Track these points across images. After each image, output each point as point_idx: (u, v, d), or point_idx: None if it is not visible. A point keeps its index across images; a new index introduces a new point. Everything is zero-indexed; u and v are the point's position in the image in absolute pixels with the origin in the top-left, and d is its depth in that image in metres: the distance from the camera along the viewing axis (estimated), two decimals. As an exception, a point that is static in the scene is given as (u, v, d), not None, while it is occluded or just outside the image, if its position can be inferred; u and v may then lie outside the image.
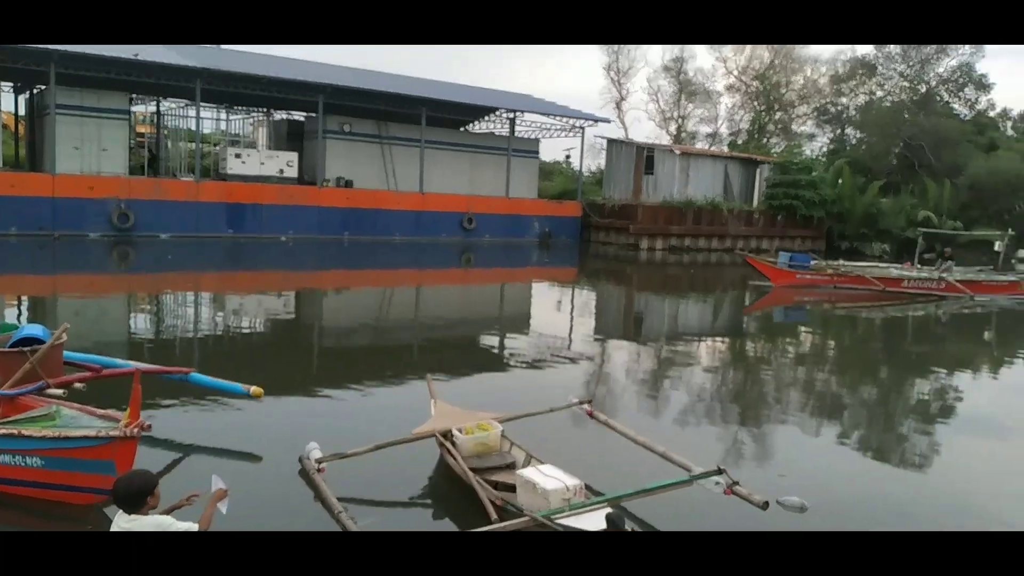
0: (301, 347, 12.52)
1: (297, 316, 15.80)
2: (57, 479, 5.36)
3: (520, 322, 16.14)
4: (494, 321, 16.25)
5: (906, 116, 45.67)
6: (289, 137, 37.24)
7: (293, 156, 33.26)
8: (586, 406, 7.04)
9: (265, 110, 39.40)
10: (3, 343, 6.53)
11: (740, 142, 53.67)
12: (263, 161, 32.13)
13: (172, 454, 6.40)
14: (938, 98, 48.19)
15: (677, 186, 38.86)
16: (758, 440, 8.23)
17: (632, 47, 54.26)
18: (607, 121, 42.12)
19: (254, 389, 7.08)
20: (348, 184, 33.37)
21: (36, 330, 6.72)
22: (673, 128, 56.55)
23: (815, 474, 6.99)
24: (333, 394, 8.99)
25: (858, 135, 50.89)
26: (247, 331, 13.61)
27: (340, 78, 32.92)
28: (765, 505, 5.15)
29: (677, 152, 40.71)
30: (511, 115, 39.02)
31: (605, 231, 37.95)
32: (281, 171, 32.08)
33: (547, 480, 5.12)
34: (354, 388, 9.42)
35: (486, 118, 41.51)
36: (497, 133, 41.42)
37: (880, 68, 49.55)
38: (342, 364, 11.31)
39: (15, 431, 5.40)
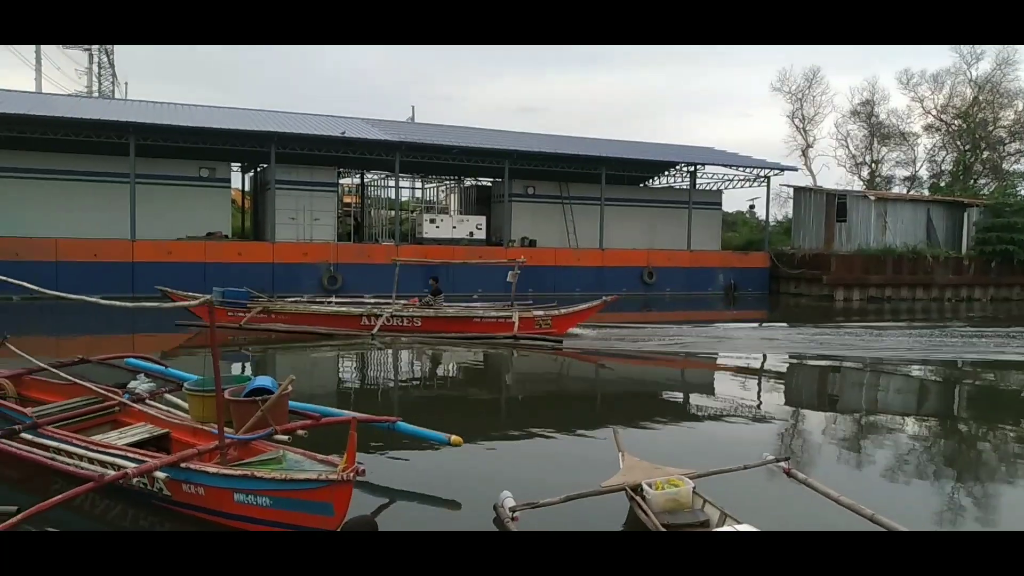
0: (492, 397, 13.00)
1: (486, 367, 16.39)
2: (282, 518, 5.91)
3: (707, 376, 15.76)
4: (678, 375, 15.99)
5: None
6: (478, 201, 39.25)
7: (482, 219, 35.03)
8: (784, 464, 6.76)
9: (456, 177, 41.80)
10: (238, 393, 7.34)
11: (943, 184, 49.64)
12: (455, 225, 34.07)
13: (381, 499, 6.88)
14: None
15: (873, 233, 36.54)
16: (981, 505, 7.48)
17: (818, 94, 52.32)
18: (793, 169, 40.69)
19: (454, 438, 7.47)
20: (532, 243, 34.47)
21: (266, 381, 7.51)
22: (865, 173, 53.42)
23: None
24: (523, 444, 9.25)
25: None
26: (444, 382, 14.32)
27: (524, 144, 34.39)
28: None
29: (872, 198, 38.35)
30: (691, 168, 38.71)
31: (795, 282, 36.27)
32: (471, 233, 33.80)
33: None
34: (542, 437, 9.65)
35: (666, 173, 41.44)
36: (677, 187, 41.17)
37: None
38: (531, 414, 11.60)
39: (248, 472, 6.06)
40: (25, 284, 8.27)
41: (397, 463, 8.05)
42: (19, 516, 5.15)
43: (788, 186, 42.79)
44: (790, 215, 43.73)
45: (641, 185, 41.55)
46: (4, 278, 8.33)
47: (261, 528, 5.95)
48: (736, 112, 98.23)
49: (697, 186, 39.49)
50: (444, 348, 17.25)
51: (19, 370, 9.14)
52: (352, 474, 5.71)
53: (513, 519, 6.04)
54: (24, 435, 7.20)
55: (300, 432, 7.24)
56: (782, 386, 14.72)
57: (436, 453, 8.12)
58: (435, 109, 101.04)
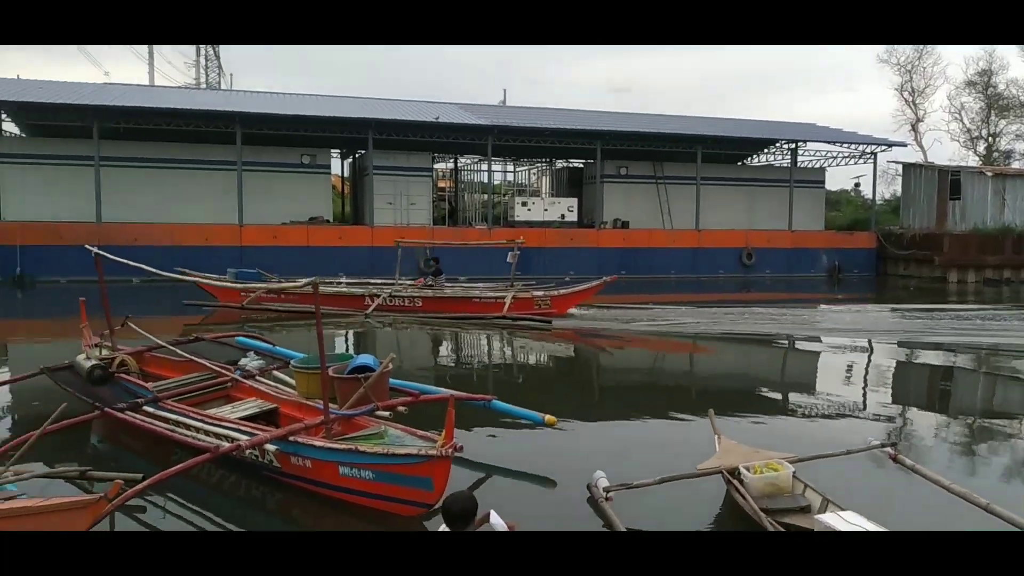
0: (587, 378, 13.02)
1: (578, 348, 16.38)
2: (384, 491, 6.13)
3: (809, 362, 15.27)
4: (779, 359, 15.56)
5: None
6: (570, 183, 39.14)
7: (573, 201, 34.91)
8: (889, 449, 6.50)
9: (548, 159, 41.75)
10: (342, 370, 7.63)
11: (1072, 158, 46.10)
12: (546, 207, 34.12)
13: (477, 474, 7.02)
14: None
15: (990, 212, 34.39)
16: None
17: (929, 65, 49.42)
18: (902, 145, 38.62)
19: (548, 417, 7.53)
20: (625, 225, 34.13)
21: (368, 359, 7.78)
22: (982, 148, 50.15)
23: None
24: (618, 425, 9.24)
25: None
26: (536, 363, 14.43)
27: (616, 124, 34.01)
28: None
29: (989, 174, 36.04)
30: (792, 145, 37.35)
31: (905, 263, 34.63)
32: (563, 216, 33.76)
33: (851, 528, 4.84)
34: (635, 420, 9.62)
35: (765, 151, 40.13)
36: (777, 165, 39.83)
37: None
38: (623, 396, 11.56)
39: (353, 447, 6.30)
40: (144, 267, 8.89)
41: (492, 440, 8.19)
42: (144, 483, 5.53)
43: (896, 163, 40.82)
44: (898, 193, 41.68)
45: (739, 164, 40.42)
46: (124, 261, 8.94)
47: (365, 501, 6.19)
48: (840, 87, 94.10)
49: (799, 164, 38.11)
50: (446, 327, 17.30)
51: (140, 347, 9.76)
52: (451, 450, 5.85)
53: (607, 499, 6.06)
54: (146, 408, 7.72)
55: (400, 408, 7.46)
56: (889, 373, 14.11)
57: (530, 432, 8.21)
58: (526, 92, 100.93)
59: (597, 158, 32.99)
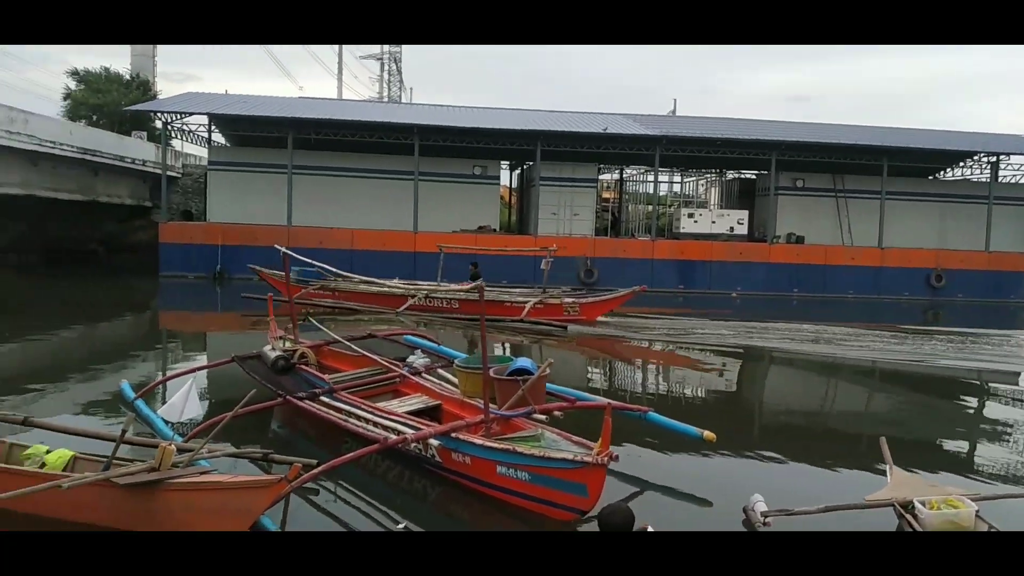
0: (747, 397, 12.56)
1: (744, 368, 15.81)
2: (539, 493, 6.23)
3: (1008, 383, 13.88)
4: (972, 384, 14.25)
5: None
6: (740, 195, 37.92)
7: (744, 214, 33.78)
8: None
9: (717, 170, 40.67)
10: (501, 372, 7.85)
11: None
12: (714, 220, 33.25)
13: (630, 487, 6.97)
14: None
15: None
16: None
17: None
18: None
19: (707, 434, 7.35)
20: (799, 240, 32.56)
21: (526, 363, 7.96)
22: None
23: None
24: (778, 448, 8.85)
25: None
26: (695, 378, 14.09)
27: (793, 134, 32.55)
28: None
29: None
30: (993, 159, 34.08)
31: None
32: (731, 228, 32.76)
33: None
34: (799, 444, 9.17)
35: (960, 164, 36.89)
36: (974, 179, 36.51)
37: None
38: (786, 418, 11.05)
39: (511, 447, 6.46)
40: (328, 268, 9.66)
41: (646, 453, 8.10)
42: (320, 468, 5.97)
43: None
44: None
45: (930, 178, 37.42)
46: (308, 260, 9.72)
47: (520, 502, 6.33)
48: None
49: (1000, 179, 34.72)
50: (471, 328, 17.11)
51: (319, 341, 10.52)
52: (606, 458, 5.88)
53: (765, 524, 5.85)
54: (323, 398, 8.31)
55: (556, 413, 7.58)
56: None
57: (686, 446, 8.04)
58: (697, 102, 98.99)
59: (772, 169, 31.72)
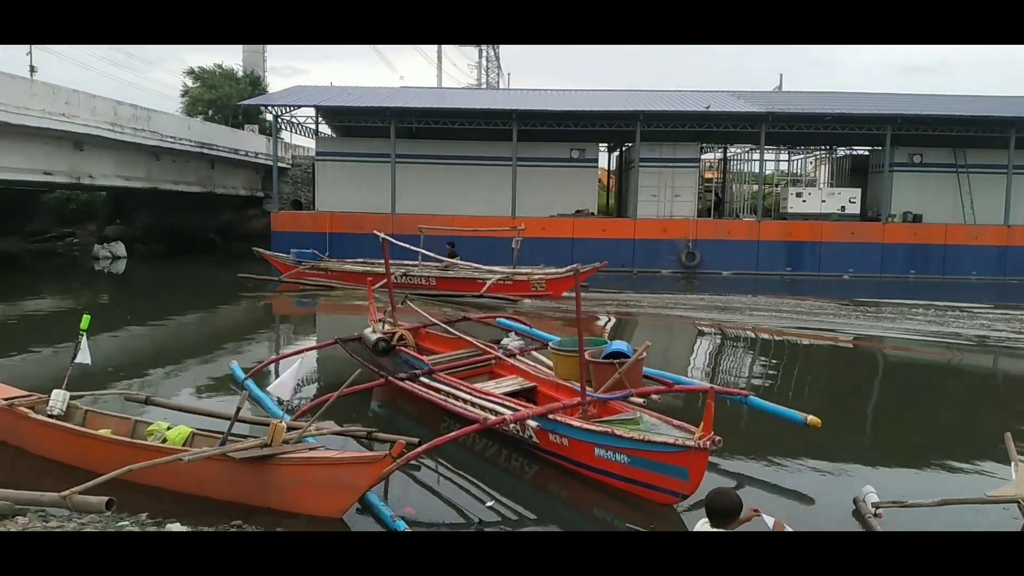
0: (862, 381, 11.97)
1: (856, 350, 15.11)
2: (638, 476, 6.19)
3: None
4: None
5: None
6: (852, 173, 36.20)
7: (856, 192, 32.18)
8: None
9: (827, 147, 38.92)
10: (597, 355, 7.80)
11: None
12: (824, 199, 31.81)
13: (727, 479, 6.77)
14: None
15: None
16: None
17: None
18: None
19: (811, 419, 7.10)
20: (916, 219, 30.79)
21: (622, 346, 7.87)
22: None
23: None
24: (891, 437, 8.43)
25: None
26: (800, 362, 13.58)
27: (909, 107, 30.77)
28: None
29: None
30: None
31: None
32: (842, 208, 31.29)
33: None
34: (915, 434, 8.70)
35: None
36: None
37: None
38: (904, 405, 10.49)
39: (609, 429, 6.43)
40: (423, 251, 10.01)
41: (748, 439, 7.88)
42: (424, 446, 6.13)
43: None
44: None
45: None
46: (405, 245, 9.96)
47: (619, 484, 6.30)
48: None
49: None
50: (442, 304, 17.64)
51: (416, 324, 10.76)
52: (709, 443, 5.76)
53: (876, 515, 5.62)
54: (422, 379, 8.49)
55: (654, 396, 7.47)
56: None
57: (788, 432, 7.74)
58: (807, 75, 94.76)
59: (886, 145, 30.05)
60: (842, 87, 35.78)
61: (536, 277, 19.41)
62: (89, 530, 5.17)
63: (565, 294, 18.95)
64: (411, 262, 19.89)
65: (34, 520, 5.32)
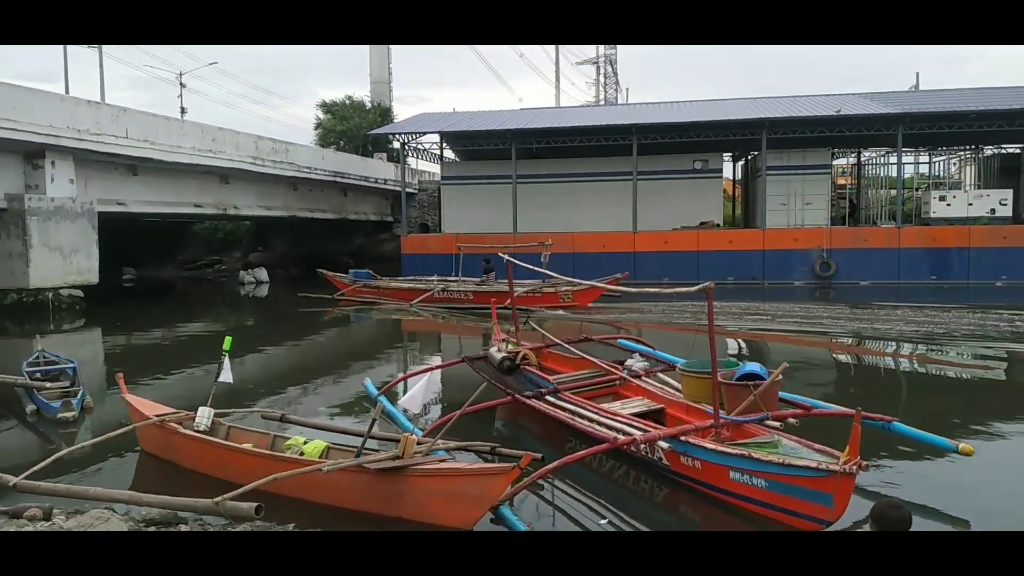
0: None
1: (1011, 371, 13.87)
2: (778, 501, 5.91)
3: None
4: None
5: None
6: (1002, 172, 33.53)
7: (1007, 193, 29.78)
8: None
9: (972, 147, 36.29)
10: (729, 377, 7.53)
11: None
12: (971, 202, 29.62)
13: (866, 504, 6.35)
14: None
15: None
16: None
17: None
18: None
19: (963, 446, 6.52)
20: (1080, 219, 28.15)
21: (756, 367, 7.56)
22: None
23: None
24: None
25: None
26: (952, 383, 12.61)
27: (1068, 97, 28.26)
28: None
29: None
30: None
31: None
32: (992, 211, 29.04)
33: None
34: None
35: None
36: None
37: None
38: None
39: (745, 452, 6.19)
40: (548, 272, 10.16)
41: (893, 466, 7.37)
42: (555, 464, 6.13)
43: None
44: None
45: None
46: (526, 265, 10.05)
47: (757, 509, 6.05)
48: None
49: None
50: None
51: (539, 344, 10.80)
52: (856, 467, 5.45)
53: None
54: (548, 398, 8.50)
55: (791, 420, 7.15)
56: None
57: (938, 462, 7.21)
58: (943, 72, 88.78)
59: (1041, 141, 27.73)
60: (980, 82, 33.13)
61: (563, 289, 20.21)
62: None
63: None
64: (452, 278, 22.64)
65: (193, 527, 5.70)
